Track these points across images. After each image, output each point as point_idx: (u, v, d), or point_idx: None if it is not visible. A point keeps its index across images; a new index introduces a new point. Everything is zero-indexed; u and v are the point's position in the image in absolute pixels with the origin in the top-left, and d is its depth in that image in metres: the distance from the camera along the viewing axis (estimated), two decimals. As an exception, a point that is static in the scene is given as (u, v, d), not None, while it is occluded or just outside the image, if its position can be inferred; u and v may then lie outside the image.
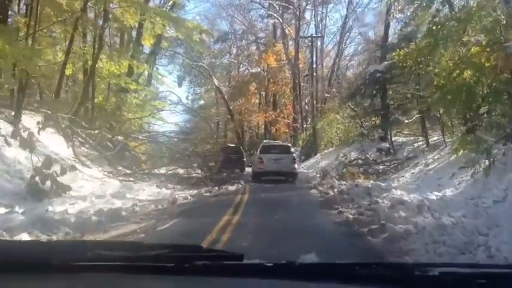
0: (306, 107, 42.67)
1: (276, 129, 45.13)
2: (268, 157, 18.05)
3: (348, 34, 42.88)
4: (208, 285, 1.44)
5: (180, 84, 55.11)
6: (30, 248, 1.81)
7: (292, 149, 20.91)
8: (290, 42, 44.15)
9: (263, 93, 49.96)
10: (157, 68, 40.36)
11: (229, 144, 29.09)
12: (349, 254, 5.44)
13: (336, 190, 11.62)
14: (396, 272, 1.45)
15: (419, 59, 19.24)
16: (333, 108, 28.49)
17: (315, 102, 31.40)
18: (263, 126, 50.40)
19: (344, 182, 13.21)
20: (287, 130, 44.62)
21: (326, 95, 35.77)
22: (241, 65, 51.80)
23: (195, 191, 12.68)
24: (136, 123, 23.38)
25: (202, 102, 57.88)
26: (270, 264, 1.44)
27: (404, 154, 17.05)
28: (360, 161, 17.67)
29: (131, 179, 14.15)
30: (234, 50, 50.87)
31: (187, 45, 50.59)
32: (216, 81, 49.38)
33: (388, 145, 19.98)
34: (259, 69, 46.50)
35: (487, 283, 1.28)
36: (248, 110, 46.66)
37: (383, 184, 10.95)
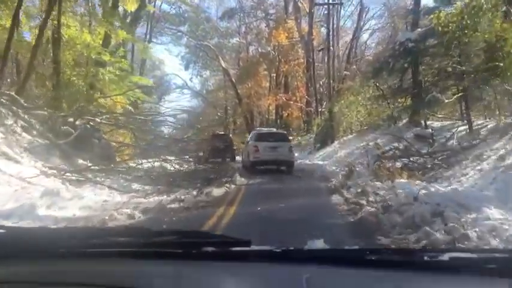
0: (321, 90, 38.50)
1: (288, 114, 40.97)
2: (264, 145, 17.12)
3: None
4: (216, 271, 1.39)
5: (186, 67, 51.28)
6: (38, 235, 1.77)
7: (288, 137, 19.83)
8: (303, 20, 39.91)
9: (274, 75, 45.83)
10: (148, 41, 36.63)
11: (217, 132, 27.71)
12: None
13: (371, 199, 7.50)
14: (406, 257, 1.44)
15: (465, 22, 15.27)
16: (353, 88, 24.27)
17: (331, 81, 26.98)
18: (274, 111, 46.31)
19: (379, 183, 9.17)
20: (300, 115, 40.45)
21: (345, 72, 31.48)
22: (251, 46, 47.60)
23: (161, 198, 8.77)
24: (119, 106, 19.41)
25: (209, 85, 53.69)
26: (278, 250, 1.42)
27: (454, 142, 12.87)
28: (396, 151, 13.48)
29: (81, 177, 10.27)
30: (243, 29, 46.57)
31: (191, 24, 46.96)
32: (223, 63, 45.39)
33: (430, 130, 15.81)
34: (269, 49, 42.22)
35: (496, 268, 1.25)
36: (257, 94, 42.53)
37: (449, 191, 6.89)
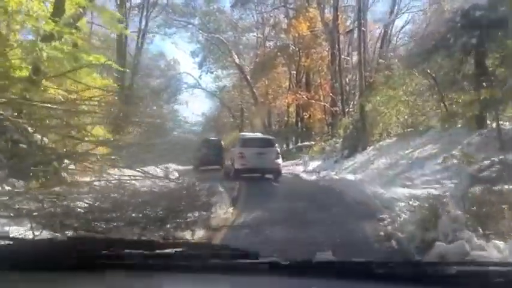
0: (348, 87, 33.32)
1: (310, 115, 35.89)
2: (250, 152, 16.31)
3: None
4: (223, 284, 1.42)
5: (200, 65, 46.51)
6: (46, 246, 1.77)
7: (276, 143, 18.31)
8: (327, 7, 34.85)
9: (294, 72, 40.80)
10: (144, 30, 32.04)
11: (208, 137, 27.02)
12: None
13: None
14: (413, 270, 1.44)
15: None
16: (391, 79, 19.04)
17: (363, 71, 21.70)
18: (294, 113, 41.26)
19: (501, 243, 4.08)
20: (323, 116, 35.30)
21: (380, 60, 26.20)
22: (268, 40, 42.65)
23: None
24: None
25: (222, 84, 48.87)
26: (285, 263, 1.43)
27: None
28: (496, 167, 8.05)
29: None
30: (258, 20, 41.63)
31: (202, 15, 42.33)
32: (236, 58, 40.60)
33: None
34: (288, 42, 37.21)
35: (504, 282, 1.26)
36: (275, 92, 37.48)
37: None
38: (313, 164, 22.77)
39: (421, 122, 16.94)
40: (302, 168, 21.67)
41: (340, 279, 1.36)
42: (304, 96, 32.57)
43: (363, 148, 19.08)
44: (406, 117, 18.22)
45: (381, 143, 18.25)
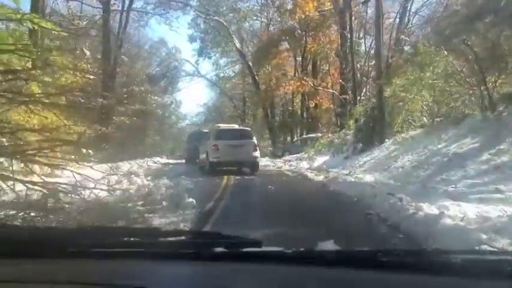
0: (359, 74, 30.03)
1: (316, 104, 32.68)
2: (225, 144, 15.52)
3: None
4: (227, 271, 1.38)
5: (200, 53, 43.25)
6: (49, 234, 1.78)
7: (252, 134, 17.25)
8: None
9: (299, 59, 37.54)
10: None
11: (199, 130, 25.54)
12: None
13: None
14: (418, 258, 1.43)
15: None
16: (416, 59, 15.79)
17: (381, 48, 18.32)
18: (300, 102, 38.06)
19: None
20: (331, 105, 32.08)
21: (402, 37, 22.87)
22: (271, 23, 39.35)
23: None
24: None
25: (221, 71, 45.62)
26: (289, 251, 1.42)
27: None
28: None
29: None
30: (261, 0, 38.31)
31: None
32: (237, 43, 37.38)
33: None
34: (293, 23, 33.88)
35: (510, 270, 1.23)
36: (278, 80, 34.19)
37: None
38: (320, 160, 19.68)
39: (453, 109, 13.77)
40: (307, 165, 18.58)
41: (344, 267, 1.32)
42: (310, 83, 29.28)
43: (380, 141, 15.94)
44: (434, 104, 15.00)
45: (403, 135, 15.07)
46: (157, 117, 59.11)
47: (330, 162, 17.57)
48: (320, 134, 29.48)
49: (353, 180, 10.80)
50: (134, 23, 39.55)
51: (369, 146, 16.65)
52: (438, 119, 14.24)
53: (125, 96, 24.16)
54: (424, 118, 15.92)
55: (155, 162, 24.21)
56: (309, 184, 11.89)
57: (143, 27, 39.99)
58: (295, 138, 36.51)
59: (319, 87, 30.18)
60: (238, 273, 1.36)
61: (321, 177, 12.75)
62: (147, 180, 10.32)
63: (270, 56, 34.42)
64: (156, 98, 60.89)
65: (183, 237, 1.63)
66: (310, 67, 36.25)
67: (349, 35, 26.85)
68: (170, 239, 1.62)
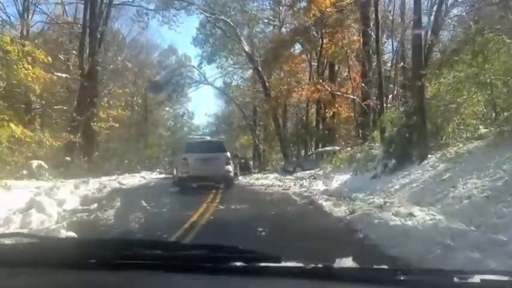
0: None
1: (334, 113, 28.68)
2: (195, 157, 14.48)
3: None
4: (245, 286, 1.42)
5: (210, 60, 39.57)
6: (67, 246, 1.81)
7: (225, 147, 16.16)
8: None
9: (315, 64, 33.70)
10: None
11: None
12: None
13: None
14: (436, 278, 1.42)
15: None
16: (469, 50, 11.77)
17: (420, 37, 14.11)
18: (315, 111, 34.11)
19: None
20: (351, 114, 28.04)
21: (448, 21, 18.74)
22: (284, 24, 35.61)
23: None
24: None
25: (228, 77, 41.89)
26: (308, 267, 1.42)
27: None
28: None
29: None
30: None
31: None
32: (246, 45, 33.67)
33: None
34: (307, 22, 30.02)
35: None
36: (290, 85, 30.24)
37: None
38: (339, 179, 15.69)
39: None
40: (322, 186, 14.58)
41: (362, 285, 1.34)
42: (327, 88, 25.27)
43: (421, 157, 11.87)
44: (493, 107, 10.96)
45: (455, 148, 10.98)
46: (167, 128, 56.45)
47: (353, 183, 13.53)
48: (338, 148, 25.54)
49: (397, 221, 6.67)
50: (133, 23, 36.43)
51: (404, 163, 12.61)
52: (506, 128, 10.13)
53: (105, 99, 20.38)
54: (481, 126, 11.85)
55: (143, 177, 20.47)
56: (325, 224, 7.63)
57: (144, 29, 36.52)
58: (309, 152, 32.50)
59: (338, 93, 26.13)
60: (256, 287, 1.36)
61: (342, 209, 8.70)
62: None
63: (282, 60, 30.63)
64: (167, 108, 58.54)
65: (201, 251, 1.59)
66: (326, 73, 32.48)
67: (373, 32, 22.96)
68: (188, 252, 1.63)
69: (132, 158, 33.57)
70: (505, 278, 1.36)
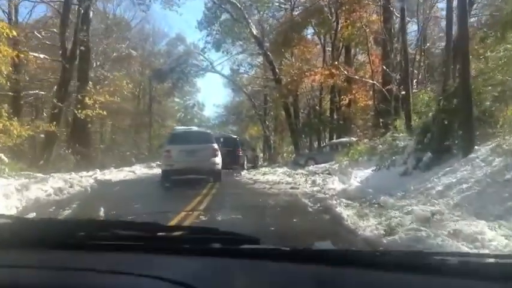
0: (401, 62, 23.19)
1: (350, 100, 26.02)
2: (179, 149, 13.61)
3: None
4: (224, 268, 1.37)
5: (218, 47, 37.06)
6: (48, 226, 1.75)
7: (212, 137, 15.28)
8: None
9: (329, 49, 31.09)
10: None
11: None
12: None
13: None
14: (416, 259, 1.40)
15: None
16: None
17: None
18: (329, 99, 31.47)
19: None
20: (369, 102, 25.36)
21: None
22: (295, 6, 32.87)
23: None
24: None
25: (236, 64, 39.30)
26: (286, 249, 1.42)
27: None
28: None
29: None
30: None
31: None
32: (254, 29, 31.12)
33: None
34: (321, 2, 27.33)
35: (508, 273, 1.23)
36: (302, 70, 27.58)
37: None
38: (359, 175, 13.24)
39: None
40: (339, 183, 12.10)
41: (340, 267, 1.32)
42: (344, 71, 22.57)
43: (467, 149, 9.30)
44: None
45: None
46: (177, 119, 54.41)
47: (377, 181, 11.02)
48: (354, 139, 23.01)
49: (465, 249, 4.19)
50: (134, 6, 34.09)
51: (442, 156, 10.07)
52: None
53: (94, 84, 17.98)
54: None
55: (132, 172, 18.14)
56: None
57: (144, 12, 34.11)
58: (323, 144, 29.96)
59: (356, 77, 23.44)
60: (235, 269, 1.35)
61: (371, 224, 6.13)
62: None
63: (293, 44, 28.05)
64: (177, 99, 56.55)
65: (181, 233, 1.63)
66: (341, 59, 29.76)
67: (395, 9, 20.31)
68: (168, 233, 1.63)
69: (129, 150, 31.33)
70: (483, 260, 1.38)
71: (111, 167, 21.40)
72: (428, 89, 15.03)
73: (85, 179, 12.49)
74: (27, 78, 20.99)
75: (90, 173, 14.79)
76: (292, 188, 11.75)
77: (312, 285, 1.22)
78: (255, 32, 30.91)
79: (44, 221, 2.13)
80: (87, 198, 9.43)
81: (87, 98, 17.00)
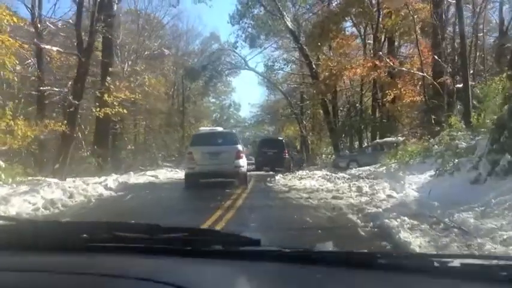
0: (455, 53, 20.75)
1: (395, 96, 23.71)
2: (202, 151, 13.18)
3: None
4: (225, 269, 1.38)
5: (252, 43, 35.37)
6: (48, 228, 1.77)
7: (237, 138, 14.75)
8: None
9: (369, 42, 28.89)
10: None
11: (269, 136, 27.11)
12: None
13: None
14: (416, 262, 1.43)
15: None
16: None
17: None
18: (371, 96, 29.19)
19: None
20: (417, 97, 22.94)
21: None
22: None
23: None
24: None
25: (271, 61, 37.36)
26: (287, 251, 1.41)
27: None
28: None
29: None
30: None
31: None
32: (289, 22, 29.28)
33: None
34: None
35: (508, 275, 1.21)
36: (341, 64, 25.45)
37: None
38: (413, 181, 11.19)
39: None
40: (391, 192, 10.07)
41: (342, 268, 1.32)
42: (390, 62, 20.32)
43: None
44: None
45: None
46: (212, 120, 53.41)
47: (440, 190, 8.96)
48: (401, 138, 20.84)
49: None
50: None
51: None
52: None
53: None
54: None
55: (154, 176, 16.62)
56: None
57: (174, 6, 32.95)
58: (365, 144, 27.75)
59: (403, 68, 21.15)
60: (237, 271, 1.35)
61: None
62: None
63: (331, 36, 25.97)
64: (213, 100, 55.58)
65: (181, 234, 1.55)
66: (383, 52, 27.43)
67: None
68: (169, 235, 1.57)
69: (159, 151, 29.98)
70: (485, 262, 1.36)
71: (138, 169, 20.13)
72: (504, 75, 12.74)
73: (92, 187, 10.82)
74: (52, 78, 19.88)
75: (107, 177, 13.27)
76: (334, 197, 9.77)
77: (312, 286, 1.21)
78: (290, 25, 29.05)
79: (44, 223, 2.36)
80: (82, 215, 7.75)
81: (106, 95, 15.57)
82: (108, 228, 1.69)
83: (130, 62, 32.71)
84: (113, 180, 12.63)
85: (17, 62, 12.62)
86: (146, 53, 35.51)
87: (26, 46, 13.67)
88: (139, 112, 33.56)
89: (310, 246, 1.47)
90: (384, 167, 15.98)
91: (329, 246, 1.52)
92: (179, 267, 1.38)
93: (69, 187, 9.95)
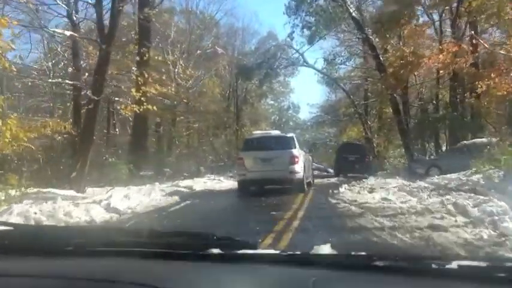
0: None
1: (481, 91, 19.84)
2: (254, 156, 12.75)
3: None
4: (222, 273, 1.37)
5: (311, 40, 32.34)
6: (46, 233, 1.80)
7: (294, 141, 13.55)
8: None
9: (448, 30, 24.98)
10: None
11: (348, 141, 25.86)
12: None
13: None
14: (414, 264, 1.40)
15: None
16: None
17: None
18: (449, 90, 25.25)
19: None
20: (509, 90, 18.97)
21: None
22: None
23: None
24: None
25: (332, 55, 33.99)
26: (285, 254, 1.45)
27: None
28: None
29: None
30: None
31: None
32: (352, 10, 26.04)
33: None
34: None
35: (506, 277, 1.22)
36: (415, 54, 21.85)
37: None
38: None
39: None
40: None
41: (340, 271, 1.32)
42: (484, 44, 16.63)
43: None
44: None
45: None
46: (271, 122, 51.33)
47: None
48: (494, 139, 17.17)
49: None
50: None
51: None
52: None
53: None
54: None
55: (188, 188, 14.19)
56: None
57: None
58: (445, 146, 23.91)
59: (501, 52, 17.35)
60: (234, 275, 1.34)
61: None
62: None
63: (402, 22, 22.44)
64: (272, 102, 53.51)
65: (178, 238, 1.59)
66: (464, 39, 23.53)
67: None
68: (166, 239, 1.59)
69: (204, 156, 27.63)
70: (482, 264, 1.35)
71: (182, 177, 17.79)
72: None
73: (93, 206, 8.17)
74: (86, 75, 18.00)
75: (135, 188, 10.76)
76: (432, 227, 6.53)
77: None
78: (353, 12, 25.82)
79: (41, 228, 2.31)
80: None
81: (133, 90, 13.22)
82: (107, 233, 1.76)
83: (182, 61, 31.19)
84: (119, 199, 9.55)
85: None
86: (198, 52, 33.80)
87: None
88: (191, 113, 31.89)
89: (307, 249, 1.45)
90: (480, 175, 12.52)
91: (326, 249, 1.49)
92: (176, 271, 1.36)
93: (61, 206, 7.37)
